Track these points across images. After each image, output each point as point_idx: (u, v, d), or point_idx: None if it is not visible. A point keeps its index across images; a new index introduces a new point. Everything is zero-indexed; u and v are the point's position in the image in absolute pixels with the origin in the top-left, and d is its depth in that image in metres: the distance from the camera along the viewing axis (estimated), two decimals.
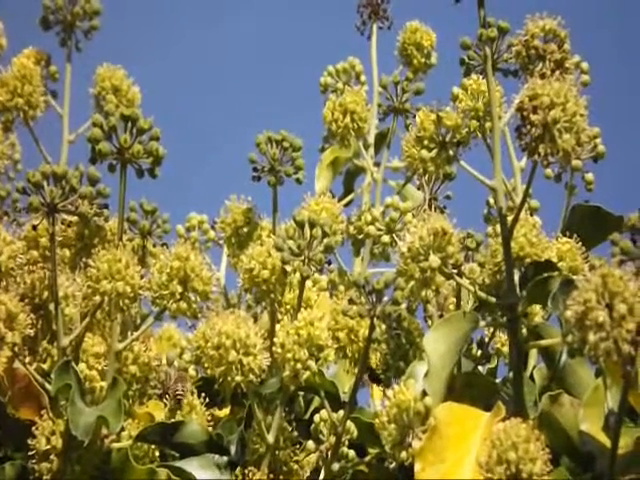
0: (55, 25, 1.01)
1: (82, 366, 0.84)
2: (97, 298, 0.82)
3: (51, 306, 0.84)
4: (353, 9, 1.11)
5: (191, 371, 0.97)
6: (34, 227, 0.83)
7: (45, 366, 0.86)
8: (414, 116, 1.00)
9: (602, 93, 0.96)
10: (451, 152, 0.83)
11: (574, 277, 0.75)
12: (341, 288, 1.04)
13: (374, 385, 0.95)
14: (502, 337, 0.97)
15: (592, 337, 0.64)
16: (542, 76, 0.78)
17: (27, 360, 0.83)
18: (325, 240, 0.84)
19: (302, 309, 0.84)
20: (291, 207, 0.98)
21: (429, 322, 0.95)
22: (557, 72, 0.79)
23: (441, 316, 0.92)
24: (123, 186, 0.86)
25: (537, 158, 0.75)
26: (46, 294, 0.85)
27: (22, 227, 0.87)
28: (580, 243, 0.88)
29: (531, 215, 0.87)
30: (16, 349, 0.80)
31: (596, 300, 0.64)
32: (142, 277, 0.83)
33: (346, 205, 1.09)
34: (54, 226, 0.82)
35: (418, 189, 0.99)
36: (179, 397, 0.91)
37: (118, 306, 0.82)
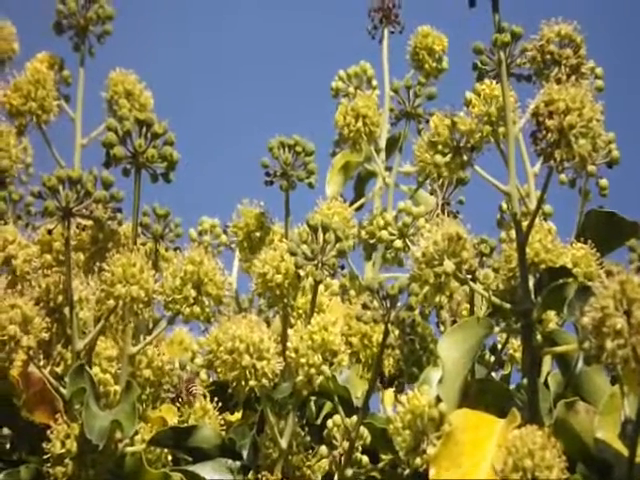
0: (68, 30, 1.01)
1: (96, 370, 0.85)
2: (111, 302, 0.82)
3: (66, 310, 0.84)
4: (365, 13, 1.11)
5: (203, 375, 0.98)
6: (49, 231, 0.83)
7: (59, 370, 0.86)
8: (427, 121, 1.01)
9: (614, 97, 0.96)
10: (465, 157, 0.83)
11: (590, 284, 0.75)
12: (352, 293, 1.04)
13: (385, 390, 0.95)
14: (515, 343, 0.97)
15: (610, 344, 0.64)
16: (558, 81, 0.78)
17: (42, 364, 0.83)
18: (338, 244, 0.84)
19: (315, 314, 0.84)
20: (302, 211, 0.98)
21: (442, 328, 0.95)
22: (573, 77, 0.79)
23: (454, 322, 0.92)
24: (137, 190, 0.86)
25: (553, 164, 0.75)
26: (61, 298, 0.85)
27: (36, 231, 0.87)
28: (595, 249, 0.88)
29: (545, 221, 0.87)
30: (31, 353, 0.80)
31: (614, 307, 0.64)
32: (156, 281, 0.83)
33: (357, 210, 1.09)
34: (69, 230, 0.82)
35: (431, 194, 0.99)
36: (192, 393, 0.90)
37: (132, 310, 0.82)
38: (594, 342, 0.65)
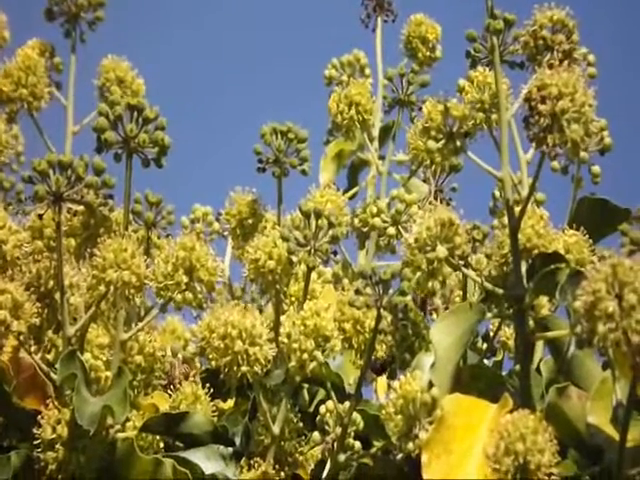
0: (59, 16, 1.01)
1: (87, 356, 0.84)
2: (102, 287, 0.82)
3: (56, 295, 0.84)
4: (358, 1, 1.11)
5: (196, 363, 0.97)
6: (40, 216, 0.83)
7: (50, 356, 0.86)
8: (420, 109, 1.00)
9: (606, 85, 0.96)
10: (458, 143, 0.83)
11: (582, 269, 0.75)
12: (345, 281, 1.04)
13: (377, 376, 0.95)
14: (507, 331, 0.97)
15: (601, 327, 0.64)
16: (550, 66, 0.77)
17: (32, 349, 0.82)
18: (331, 230, 0.84)
19: (308, 300, 0.83)
20: (295, 199, 0.98)
21: (434, 315, 0.95)
22: (565, 63, 0.79)
23: (447, 309, 0.92)
24: (129, 175, 0.86)
25: (545, 149, 0.75)
26: (51, 283, 0.84)
27: (27, 216, 0.87)
28: (587, 236, 0.88)
29: (537, 207, 0.87)
30: (22, 338, 0.80)
31: (606, 290, 0.64)
32: (147, 267, 0.83)
33: (350, 198, 1.09)
34: (60, 215, 0.82)
35: (424, 182, 0.99)
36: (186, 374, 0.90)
37: (124, 295, 0.82)
38: (586, 326, 0.65)
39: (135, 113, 0.85)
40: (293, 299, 0.92)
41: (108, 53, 1.06)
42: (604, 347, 0.64)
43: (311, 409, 0.94)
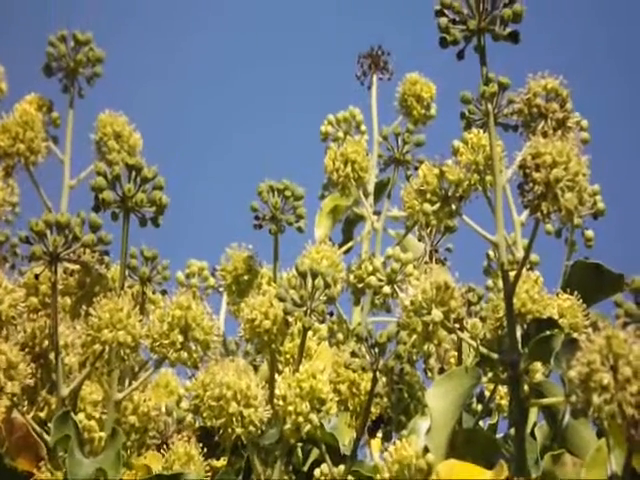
0: (58, 72, 1.01)
1: (81, 416, 0.84)
2: (98, 347, 0.82)
3: (51, 355, 0.84)
4: (354, 58, 1.12)
5: (189, 419, 0.97)
6: (36, 276, 0.83)
7: (43, 415, 0.85)
8: (415, 167, 1.01)
9: (600, 150, 0.97)
10: (454, 206, 0.83)
11: (577, 336, 0.75)
12: (340, 337, 1.04)
13: (370, 438, 0.94)
14: (502, 391, 0.97)
15: (596, 399, 0.64)
16: (544, 134, 0.78)
17: (25, 409, 0.82)
18: (327, 290, 0.84)
19: (303, 360, 0.83)
20: (291, 253, 0.98)
21: (429, 374, 0.95)
22: (559, 131, 0.79)
23: (442, 369, 0.92)
24: (125, 234, 0.86)
25: (539, 216, 0.76)
26: (46, 343, 0.84)
27: (23, 275, 0.87)
28: (580, 300, 0.88)
29: (531, 269, 0.87)
30: (15, 399, 0.80)
31: (600, 362, 0.64)
32: (143, 326, 0.83)
33: (346, 252, 1.09)
34: (56, 275, 0.82)
35: (419, 240, 0.99)
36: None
37: (119, 355, 0.82)
38: (581, 396, 0.65)
39: (133, 172, 0.86)
40: (288, 357, 0.92)
41: (105, 107, 1.06)
42: (599, 418, 0.64)
43: (305, 468, 0.93)
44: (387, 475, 0.75)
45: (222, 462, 0.95)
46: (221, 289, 1.03)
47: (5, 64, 1.07)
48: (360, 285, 0.99)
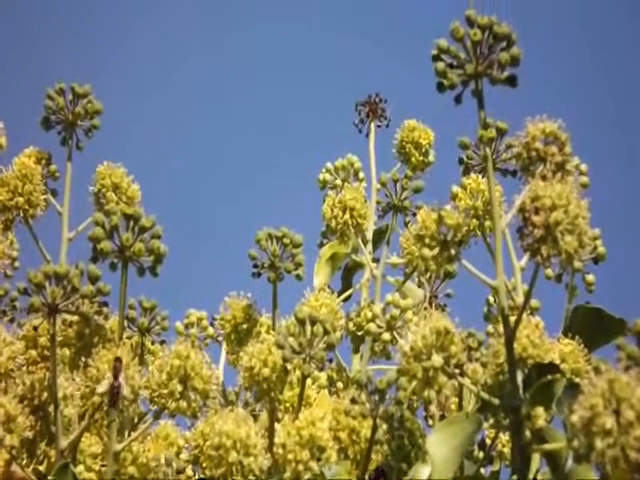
0: (56, 125, 1.02)
1: (80, 468, 0.83)
2: (96, 398, 0.81)
3: (50, 408, 0.83)
4: (352, 106, 1.13)
5: (189, 471, 0.96)
6: (35, 328, 0.83)
7: (42, 468, 0.85)
8: (413, 214, 1.01)
9: (599, 193, 0.97)
10: (453, 251, 0.83)
11: (579, 381, 0.75)
12: (340, 385, 1.04)
13: None
14: (504, 438, 0.96)
15: (599, 443, 0.63)
16: (543, 178, 0.78)
17: (24, 462, 0.81)
18: (326, 337, 0.84)
19: (303, 408, 0.83)
20: (290, 301, 0.98)
21: (430, 421, 0.94)
22: (558, 174, 0.80)
23: (443, 416, 0.91)
24: (124, 284, 0.86)
25: (539, 259, 0.76)
26: (45, 395, 0.84)
27: (21, 327, 0.87)
28: (582, 344, 0.88)
29: (531, 314, 0.87)
30: (14, 452, 0.79)
31: (603, 406, 0.64)
32: (142, 376, 0.82)
33: (345, 300, 1.09)
34: (55, 326, 0.82)
35: (418, 286, 0.99)
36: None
37: (118, 407, 0.81)
38: (583, 441, 0.64)
39: (131, 222, 0.86)
40: (288, 405, 0.91)
41: (104, 159, 1.07)
42: (602, 463, 0.63)
43: None
44: None
45: None
46: (220, 339, 1.02)
47: (2, 116, 1.08)
48: (360, 333, 0.98)
